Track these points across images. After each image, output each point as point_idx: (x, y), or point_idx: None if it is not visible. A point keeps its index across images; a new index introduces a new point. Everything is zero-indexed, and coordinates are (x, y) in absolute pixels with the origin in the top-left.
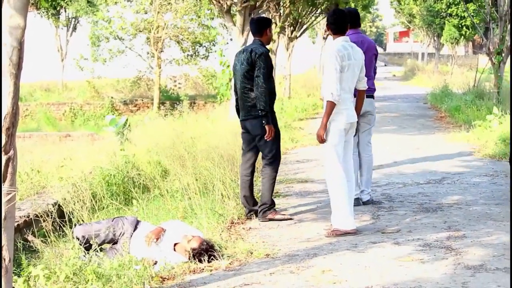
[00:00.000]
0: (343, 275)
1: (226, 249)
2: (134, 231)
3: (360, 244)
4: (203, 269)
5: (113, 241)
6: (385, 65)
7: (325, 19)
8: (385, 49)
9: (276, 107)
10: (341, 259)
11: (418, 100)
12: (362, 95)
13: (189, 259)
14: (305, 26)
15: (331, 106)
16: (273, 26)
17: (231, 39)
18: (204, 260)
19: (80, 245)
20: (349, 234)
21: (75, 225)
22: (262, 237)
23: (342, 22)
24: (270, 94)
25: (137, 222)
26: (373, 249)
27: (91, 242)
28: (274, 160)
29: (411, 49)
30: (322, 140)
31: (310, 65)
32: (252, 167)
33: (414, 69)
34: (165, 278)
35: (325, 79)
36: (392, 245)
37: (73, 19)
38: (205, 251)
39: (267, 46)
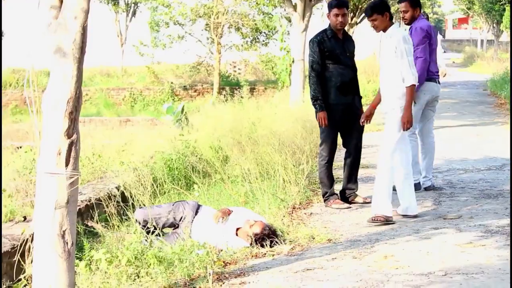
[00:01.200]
0: (405, 261)
1: (288, 234)
2: (195, 215)
3: (422, 230)
4: (265, 254)
5: (174, 226)
6: (444, 52)
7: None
8: (444, 36)
9: None
10: (403, 245)
11: (478, 86)
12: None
13: (251, 244)
14: None
15: (413, 89)
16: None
17: (290, 25)
18: (266, 245)
19: (143, 228)
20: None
21: (136, 208)
22: (324, 222)
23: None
24: (327, 80)
25: (198, 206)
26: (435, 235)
27: (149, 226)
28: (321, 149)
29: (470, 36)
30: (410, 126)
31: (370, 51)
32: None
33: (473, 56)
34: (227, 262)
35: (398, 65)
36: (454, 231)
37: (132, 5)
38: (267, 236)
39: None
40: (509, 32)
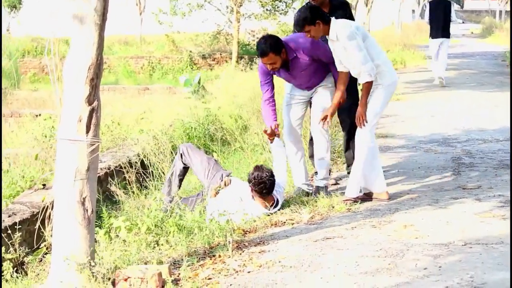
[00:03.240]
0: (425, 230)
1: (307, 202)
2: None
3: (441, 200)
4: (284, 222)
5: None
6: (463, 22)
7: None
8: (462, 6)
9: None
10: (422, 214)
11: (497, 57)
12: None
13: (267, 208)
14: None
15: (370, 85)
16: None
17: None
18: (267, 190)
19: (180, 157)
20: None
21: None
22: (343, 191)
23: None
24: None
25: (228, 176)
26: (454, 205)
27: (184, 162)
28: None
29: (488, 6)
30: (363, 121)
31: (389, 21)
32: None
33: (491, 26)
34: (247, 231)
35: (352, 62)
36: (473, 201)
37: None
38: (263, 178)
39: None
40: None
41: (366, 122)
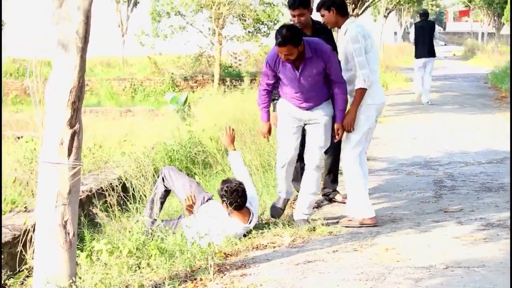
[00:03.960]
0: (406, 254)
1: (289, 226)
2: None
3: (423, 223)
4: (266, 245)
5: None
6: (445, 44)
7: None
8: (444, 28)
9: None
10: (404, 238)
11: (479, 79)
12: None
13: (247, 221)
14: (366, 4)
15: (362, 93)
16: None
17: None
18: (241, 199)
19: (162, 180)
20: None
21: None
22: (324, 214)
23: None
24: None
25: (209, 199)
26: (436, 228)
27: (166, 186)
28: None
29: (471, 28)
30: (350, 129)
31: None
32: None
33: (474, 48)
34: (228, 254)
35: (350, 65)
36: (454, 224)
37: None
38: (233, 187)
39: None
40: (510, 25)
41: (353, 130)
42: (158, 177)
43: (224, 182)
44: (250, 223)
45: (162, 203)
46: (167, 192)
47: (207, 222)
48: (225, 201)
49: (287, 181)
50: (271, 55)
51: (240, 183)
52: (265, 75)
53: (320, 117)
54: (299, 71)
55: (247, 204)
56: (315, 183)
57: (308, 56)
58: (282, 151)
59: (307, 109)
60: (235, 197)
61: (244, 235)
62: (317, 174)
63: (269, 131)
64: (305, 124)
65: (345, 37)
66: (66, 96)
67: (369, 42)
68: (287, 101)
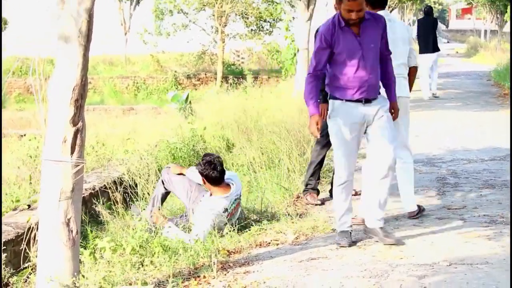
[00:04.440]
0: (410, 251)
1: (293, 223)
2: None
3: (426, 220)
4: (269, 242)
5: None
6: (448, 42)
7: None
8: (447, 26)
9: None
10: (407, 235)
11: (481, 77)
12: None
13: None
14: None
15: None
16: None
17: (294, 10)
18: (218, 171)
19: (162, 183)
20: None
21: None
22: (328, 212)
23: None
24: None
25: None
26: (439, 225)
27: (166, 187)
28: None
29: (473, 26)
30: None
31: None
32: None
33: (476, 46)
34: (231, 251)
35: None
36: (458, 221)
37: None
38: (211, 160)
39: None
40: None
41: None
42: (160, 175)
43: (203, 157)
44: (230, 195)
45: (162, 202)
46: (167, 193)
47: (206, 216)
48: (204, 178)
49: (348, 203)
50: (325, 28)
51: (218, 157)
52: (315, 58)
53: (381, 111)
54: (360, 36)
55: (227, 180)
56: (389, 187)
57: (367, 18)
58: (341, 168)
59: (365, 102)
60: (214, 168)
61: (229, 215)
62: (392, 175)
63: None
64: (366, 127)
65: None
66: (69, 94)
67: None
68: (342, 103)
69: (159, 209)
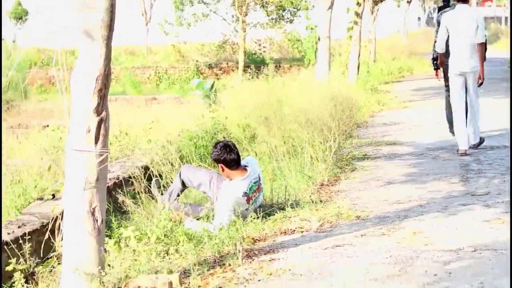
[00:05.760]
0: (434, 237)
1: (317, 210)
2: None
3: (450, 206)
4: (294, 230)
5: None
6: None
7: None
8: None
9: (362, 70)
10: (431, 221)
11: (503, 63)
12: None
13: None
14: None
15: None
16: None
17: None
18: (234, 153)
19: (183, 185)
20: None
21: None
22: (351, 199)
23: None
24: None
25: None
26: (463, 211)
27: (187, 185)
28: None
29: (494, 13)
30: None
31: (394, 29)
32: None
33: (497, 32)
34: (256, 239)
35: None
36: (482, 207)
37: None
38: (226, 143)
39: None
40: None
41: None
42: (180, 170)
43: (215, 145)
44: (248, 176)
45: (178, 196)
46: (183, 189)
47: (228, 202)
48: (222, 163)
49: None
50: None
51: (230, 141)
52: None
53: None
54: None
55: (244, 164)
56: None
57: None
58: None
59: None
60: (229, 151)
61: (248, 199)
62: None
63: None
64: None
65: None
66: (92, 84)
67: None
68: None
69: (176, 201)
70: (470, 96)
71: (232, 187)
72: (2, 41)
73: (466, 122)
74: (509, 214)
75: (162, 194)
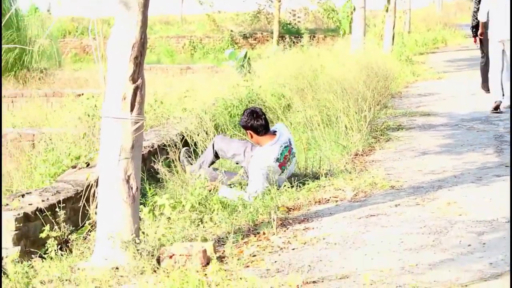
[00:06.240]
0: (468, 208)
1: (351, 180)
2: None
3: (484, 177)
4: (328, 199)
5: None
6: None
7: None
8: None
9: (397, 41)
10: (465, 192)
11: None
12: None
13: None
14: None
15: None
16: None
17: None
18: (262, 119)
19: (215, 156)
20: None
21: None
22: (386, 169)
23: None
24: None
25: None
26: (497, 182)
27: (220, 155)
28: None
29: None
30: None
31: (429, 0)
32: None
33: None
34: (290, 208)
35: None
36: None
37: None
38: (253, 109)
39: None
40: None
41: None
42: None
43: (243, 113)
44: (278, 141)
45: (209, 166)
46: (214, 160)
47: (261, 169)
48: (250, 130)
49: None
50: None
51: (257, 107)
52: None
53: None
54: None
55: (273, 130)
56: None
57: None
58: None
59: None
60: (256, 117)
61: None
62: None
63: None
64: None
65: None
66: (128, 51)
67: None
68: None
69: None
70: (508, 62)
71: (263, 153)
72: (36, 9)
73: (502, 78)
74: None
75: (191, 164)
